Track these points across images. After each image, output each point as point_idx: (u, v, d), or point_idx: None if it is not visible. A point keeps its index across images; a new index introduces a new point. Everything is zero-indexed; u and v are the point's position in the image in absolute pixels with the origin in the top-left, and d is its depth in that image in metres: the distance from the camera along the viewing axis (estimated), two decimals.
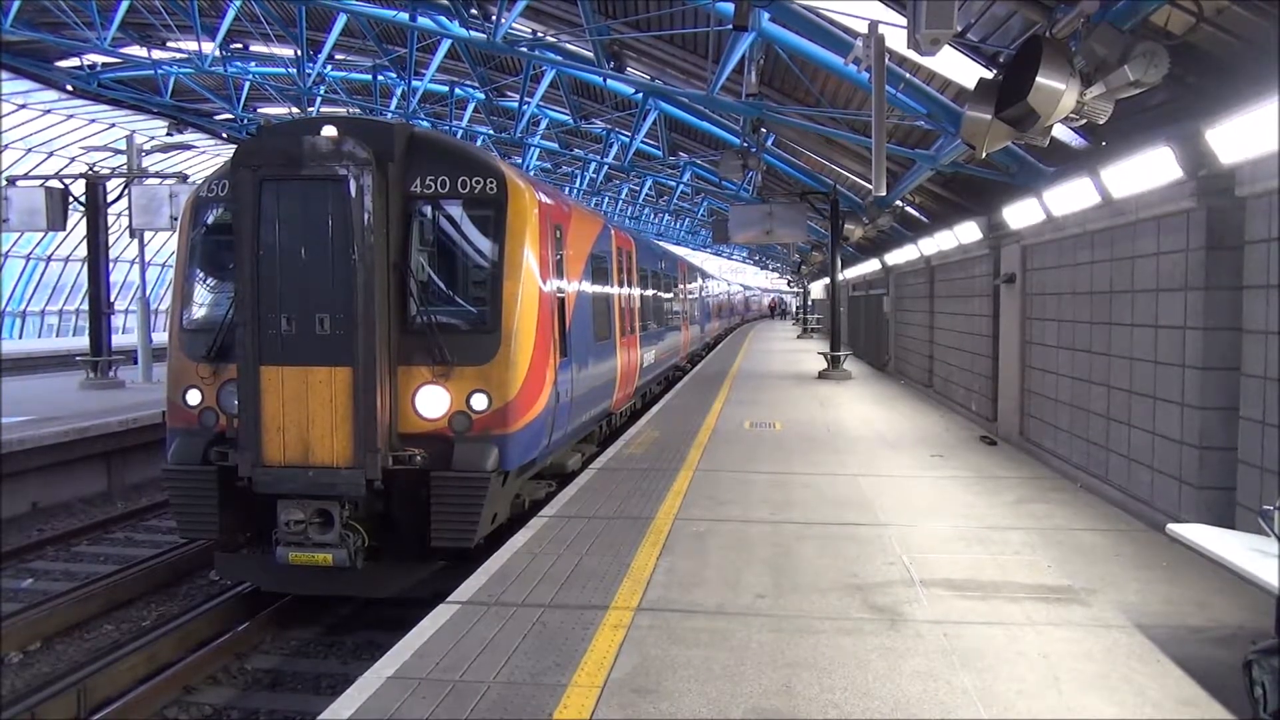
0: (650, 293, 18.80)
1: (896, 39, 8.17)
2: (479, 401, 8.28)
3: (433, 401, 8.29)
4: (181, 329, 8.84)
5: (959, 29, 8.35)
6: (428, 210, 8.55)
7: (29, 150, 33.06)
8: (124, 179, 20.57)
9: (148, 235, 23.47)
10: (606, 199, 40.87)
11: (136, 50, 23.10)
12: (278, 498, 7.98)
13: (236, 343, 8.02)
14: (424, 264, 8.62)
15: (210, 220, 9.03)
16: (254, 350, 7.93)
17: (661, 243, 37.45)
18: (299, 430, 7.91)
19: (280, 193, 7.93)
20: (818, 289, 51.56)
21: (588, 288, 11.75)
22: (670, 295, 22.69)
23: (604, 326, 12.89)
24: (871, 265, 27.18)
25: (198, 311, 8.95)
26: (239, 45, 23.20)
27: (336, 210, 7.88)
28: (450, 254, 8.76)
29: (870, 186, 10.23)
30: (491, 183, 8.60)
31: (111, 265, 23.27)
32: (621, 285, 14.80)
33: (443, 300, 8.61)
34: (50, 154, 33.58)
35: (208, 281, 9.07)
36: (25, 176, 21.21)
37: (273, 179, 7.93)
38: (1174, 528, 5.87)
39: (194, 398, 8.58)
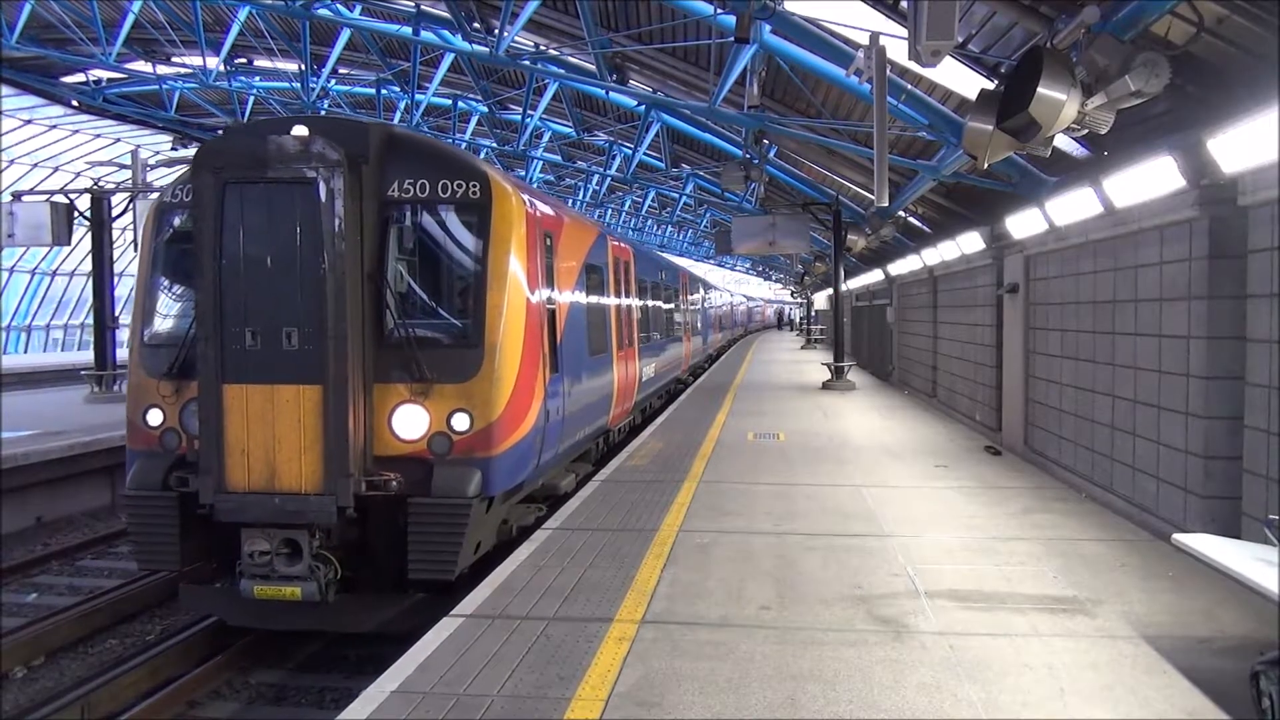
0: (650, 304, 18.25)
1: (898, 50, 8.19)
2: (460, 422, 7.72)
3: (411, 422, 7.73)
4: (142, 344, 8.30)
5: (960, 40, 8.39)
6: (406, 216, 8.03)
7: (34, 165, 33.20)
8: (129, 194, 20.66)
9: None
10: (609, 211, 40.95)
11: (141, 65, 23.23)
12: (241, 526, 7.46)
13: (197, 359, 7.51)
14: (402, 273, 8.10)
15: (173, 228, 8.47)
16: (216, 367, 7.40)
17: (665, 254, 37.46)
18: (265, 453, 7.37)
19: (244, 197, 7.43)
20: (821, 300, 51.58)
21: (581, 298, 11.21)
22: (671, 306, 22.29)
23: (600, 339, 12.35)
24: (875, 275, 27.20)
25: (159, 325, 8.39)
26: (243, 60, 23.29)
27: (305, 215, 7.37)
28: (430, 263, 8.20)
29: (873, 197, 10.23)
30: (475, 186, 8.08)
31: (116, 280, 23.33)
32: (619, 296, 14.23)
33: (422, 312, 8.07)
34: (55, 169, 33.72)
35: (170, 293, 8.54)
36: (31, 192, 21.32)
37: (236, 182, 7.43)
38: (1179, 538, 5.86)
39: (155, 418, 8.04)
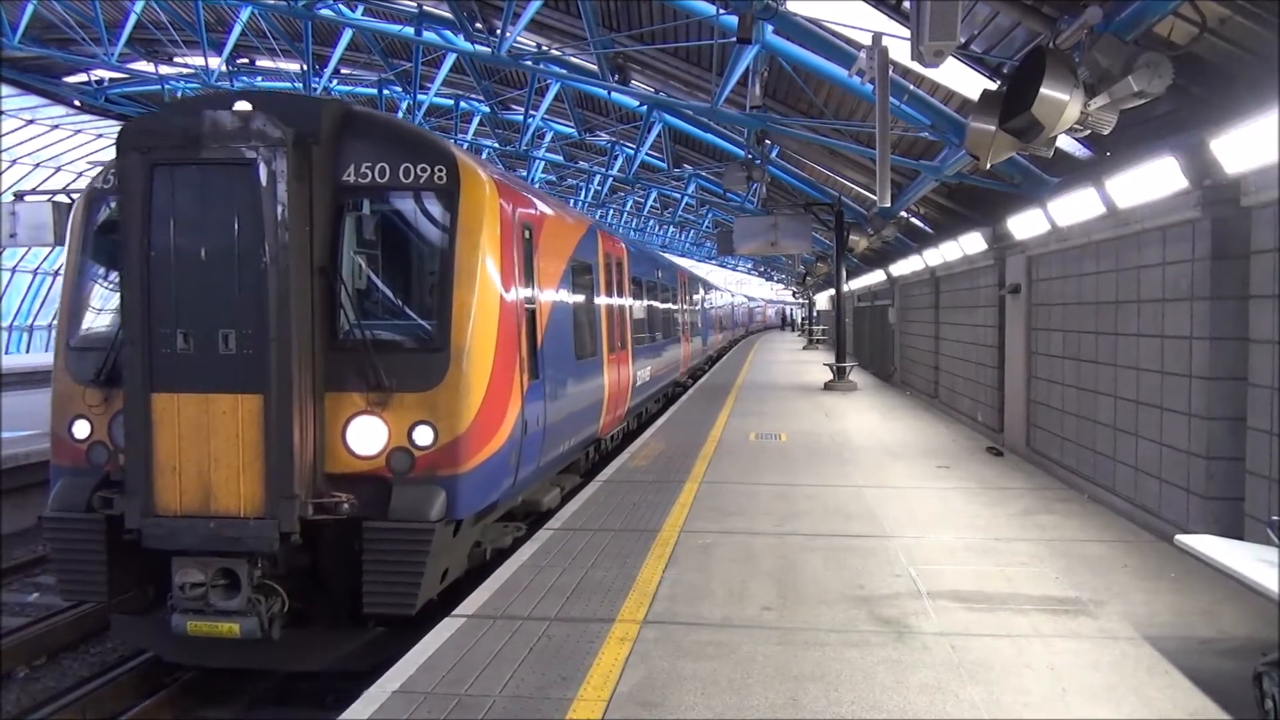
0: (645, 304, 17.52)
1: (900, 51, 8.18)
2: (423, 435, 6.87)
3: (367, 435, 6.88)
4: (68, 347, 7.42)
5: (962, 40, 8.38)
6: (363, 203, 7.13)
7: (36, 165, 33.25)
8: None
9: None
10: (611, 211, 40.97)
11: (144, 65, 23.24)
12: (172, 554, 6.60)
13: (123, 364, 6.68)
14: (359, 268, 7.25)
15: (104, 217, 7.59)
16: (143, 374, 6.54)
17: (665, 254, 37.41)
18: (199, 472, 6.52)
19: (176, 180, 6.57)
20: (823, 300, 51.58)
21: (567, 298, 10.32)
22: (668, 307, 21.69)
23: (588, 342, 11.45)
24: (877, 276, 27.20)
25: (88, 326, 7.51)
26: (245, 60, 23.31)
27: (244, 201, 6.52)
28: (390, 256, 7.32)
29: (875, 197, 10.23)
30: (440, 170, 7.19)
31: None
32: (610, 295, 13.37)
33: (380, 312, 7.26)
34: (58, 169, 33.77)
35: (101, 291, 7.67)
36: (33, 192, 21.31)
37: (166, 164, 6.56)
38: (1182, 539, 5.86)
39: (81, 430, 7.17)
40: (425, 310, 7.25)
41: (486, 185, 7.52)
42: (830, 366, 23.93)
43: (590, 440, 12.13)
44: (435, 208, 7.29)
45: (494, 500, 7.81)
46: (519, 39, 14.88)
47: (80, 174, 32.85)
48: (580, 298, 11.24)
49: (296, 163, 6.62)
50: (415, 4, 16.29)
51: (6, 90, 24.82)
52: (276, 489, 6.48)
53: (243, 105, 6.64)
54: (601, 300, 12.69)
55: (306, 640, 7.01)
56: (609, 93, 19.32)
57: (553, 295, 9.61)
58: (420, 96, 21.17)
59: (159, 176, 6.58)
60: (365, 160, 7.15)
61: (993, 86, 8.34)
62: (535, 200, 9.53)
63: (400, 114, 24.08)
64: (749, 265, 72.26)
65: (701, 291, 31.87)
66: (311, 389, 6.76)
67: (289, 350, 6.51)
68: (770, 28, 11.74)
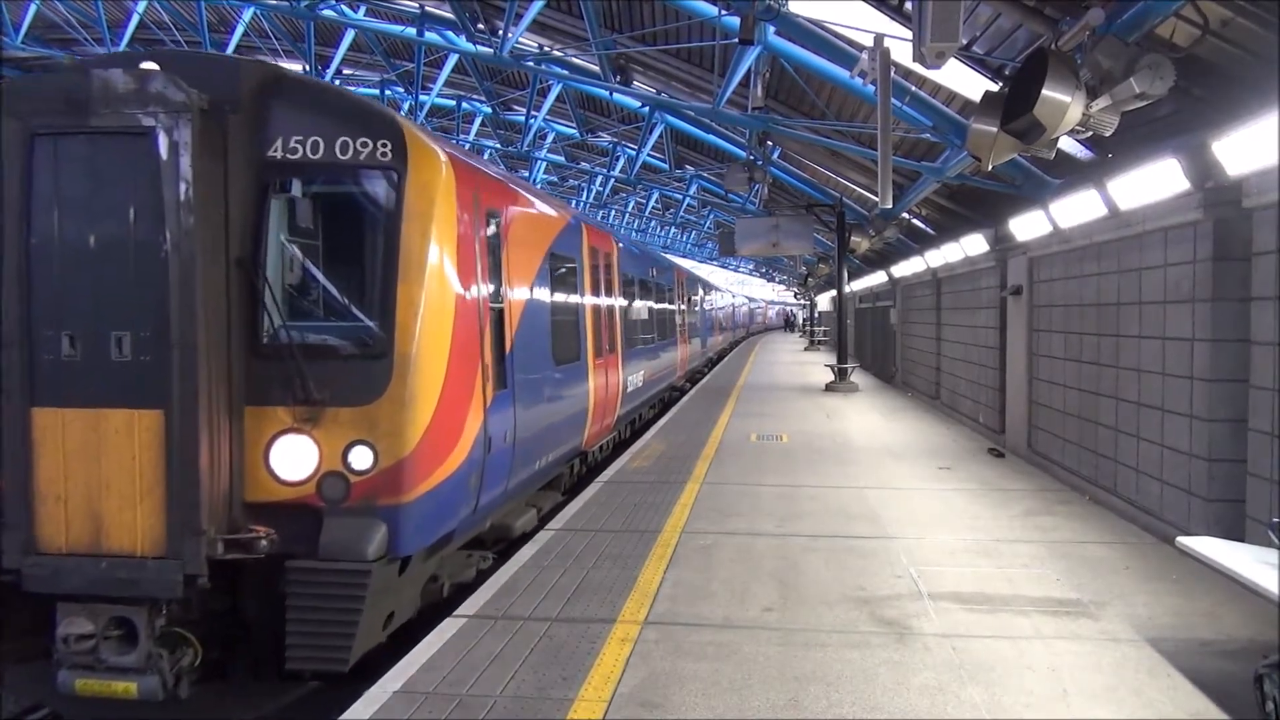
0: (638, 304, 16.46)
1: (902, 52, 8.19)
2: (361, 458, 5.87)
3: (294, 457, 5.90)
4: None
5: (964, 42, 8.39)
6: (293, 183, 6.04)
7: None
8: None
9: None
10: (613, 212, 41.00)
11: None
12: (57, 600, 5.59)
13: (1, 372, 5.63)
14: (289, 259, 6.20)
15: None
16: (21, 384, 5.57)
17: (666, 254, 37.38)
18: (87, 501, 5.53)
19: (60, 154, 5.59)
20: (824, 301, 51.58)
21: (544, 296, 9.26)
22: (664, 307, 20.68)
23: (570, 346, 10.42)
24: (878, 277, 27.20)
25: None
26: None
27: (141, 179, 5.52)
28: (324, 246, 6.32)
29: (876, 199, 10.24)
30: (384, 144, 6.11)
31: None
32: (598, 294, 12.39)
33: (312, 312, 6.22)
34: None
35: None
36: None
37: (48, 133, 5.57)
38: (1183, 540, 5.86)
39: None
40: (365, 310, 6.17)
41: (441, 164, 6.45)
42: (831, 368, 23.94)
43: (573, 454, 11.12)
44: (378, 188, 6.19)
45: (449, 530, 6.80)
46: (521, 40, 14.92)
47: None
48: (561, 296, 10.20)
49: (207, 133, 5.62)
50: (417, 5, 16.33)
51: None
52: (180, 523, 5.48)
53: (146, 65, 5.67)
54: (587, 300, 11.73)
55: (226, 696, 6.04)
56: (611, 94, 19.34)
57: (526, 293, 8.59)
58: (422, 97, 21.21)
59: (39, 148, 5.60)
60: (296, 133, 6.10)
61: (994, 88, 8.36)
62: (505, 185, 8.53)
63: (403, 114, 24.10)
64: (750, 266, 72.34)
65: (701, 291, 31.51)
66: (226, 403, 5.79)
67: (194, 356, 5.52)
68: (772, 29, 11.76)
